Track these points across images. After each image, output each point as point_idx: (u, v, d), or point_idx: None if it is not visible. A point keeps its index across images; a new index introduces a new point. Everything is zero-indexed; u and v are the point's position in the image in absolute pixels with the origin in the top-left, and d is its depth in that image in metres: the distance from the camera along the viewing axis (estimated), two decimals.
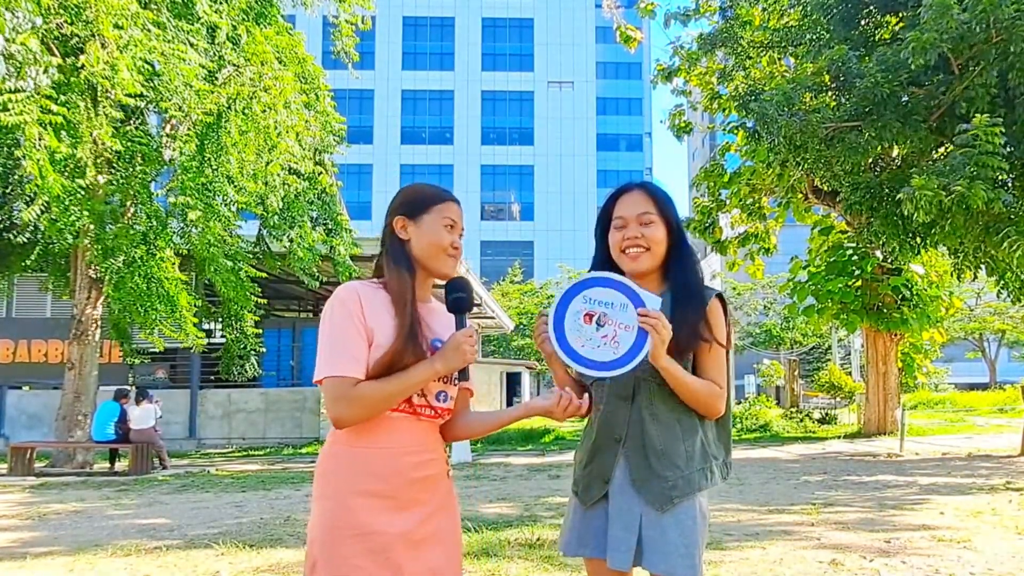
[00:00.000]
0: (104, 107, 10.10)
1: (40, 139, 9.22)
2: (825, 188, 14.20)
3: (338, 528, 1.75)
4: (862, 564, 4.67)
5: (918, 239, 10.66)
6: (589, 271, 2.03)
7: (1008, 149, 8.99)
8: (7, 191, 12.69)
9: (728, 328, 2.01)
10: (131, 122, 11.38)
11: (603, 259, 2.06)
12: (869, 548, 5.12)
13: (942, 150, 11.15)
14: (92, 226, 10.87)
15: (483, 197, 58.76)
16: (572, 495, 2.06)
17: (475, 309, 19.97)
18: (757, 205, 16.15)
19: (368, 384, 1.74)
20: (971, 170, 8.65)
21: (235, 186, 11.23)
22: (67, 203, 9.80)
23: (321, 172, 13.35)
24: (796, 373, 23.98)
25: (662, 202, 2.01)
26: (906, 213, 9.16)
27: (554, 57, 59.98)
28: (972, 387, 42.99)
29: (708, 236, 16.44)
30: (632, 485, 1.92)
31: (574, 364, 1.90)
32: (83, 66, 9.62)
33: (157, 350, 12.85)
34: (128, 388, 13.07)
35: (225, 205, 11.45)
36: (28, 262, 12.35)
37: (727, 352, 2.00)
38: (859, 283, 15.71)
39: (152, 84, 10.31)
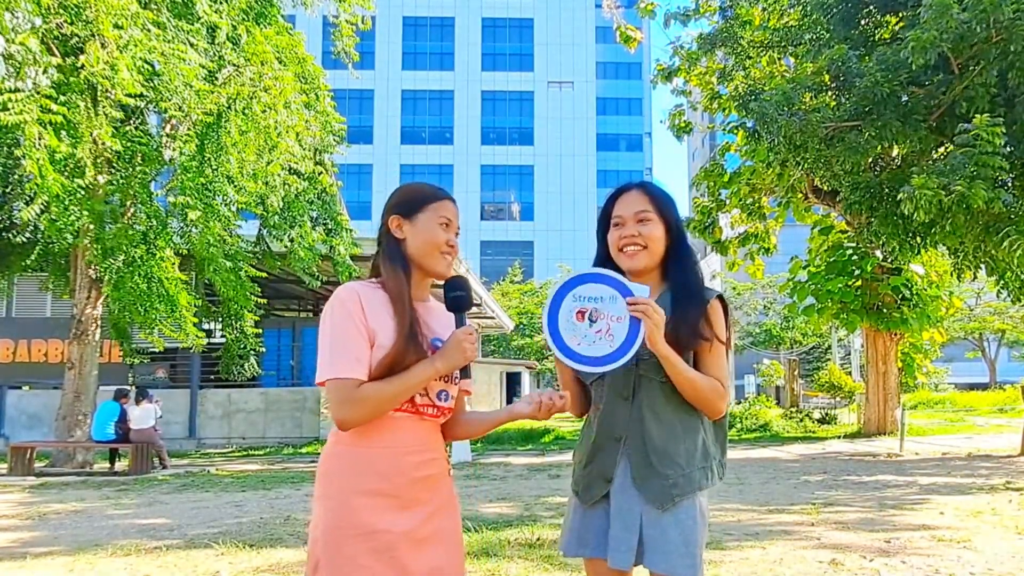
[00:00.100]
0: (104, 107, 10.10)
1: (40, 138, 9.22)
2: (825, 188, 14.20)
3: (341, 528, 1.75)
4: (862, 564, 4.67)
5: (918, 239, 10.66)
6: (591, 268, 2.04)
7: (1008, 149, 8.98)
8: (7, 191, 12.69)
9: (728, 329, 2.01)
10: (131, 122, 11.38)
11: (603, 258, 2.08)
12: (869, 548, 5.12)
13: (942, 150, 11.15)
14: (92, 226, 10.88)
15: (483, 197, 58.78)
16: (572, 495, 2.06)
17: (475, 309, 19.98)
18: (757, 205, 16.15)
19: (371, 385, 1.74)
20: (971, 170, 8.65)
21: (235, 186, 11.23)
22: (67, 203, 9.80)
23: (321, 172, 13.35)
24: (796, 373, 23.98)
25: (660, 201, 2.02)
26: (906, 212, 9.16)
27: (554, 57, 59.99)
28: (972, 387, 42.98)
29: (708, 236, 16.44)
30: (633, 484, 1.92)
31: (574, 363, 1.91)
32: (83, 66, 9.62)
33: (157, 350, 12.86)
34: (128, 388, 13.07)
35: (225, 205, 11.45)
36: (28, 262, 12.36)
37: (727, 353, 2.00)
38: (859, 283, 15.71)
39: (152, 84, 10.31)
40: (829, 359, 30.41)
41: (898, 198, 9.17)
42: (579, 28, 60.22)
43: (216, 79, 11.05)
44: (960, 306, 21.38)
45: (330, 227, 13.76)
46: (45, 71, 9.66)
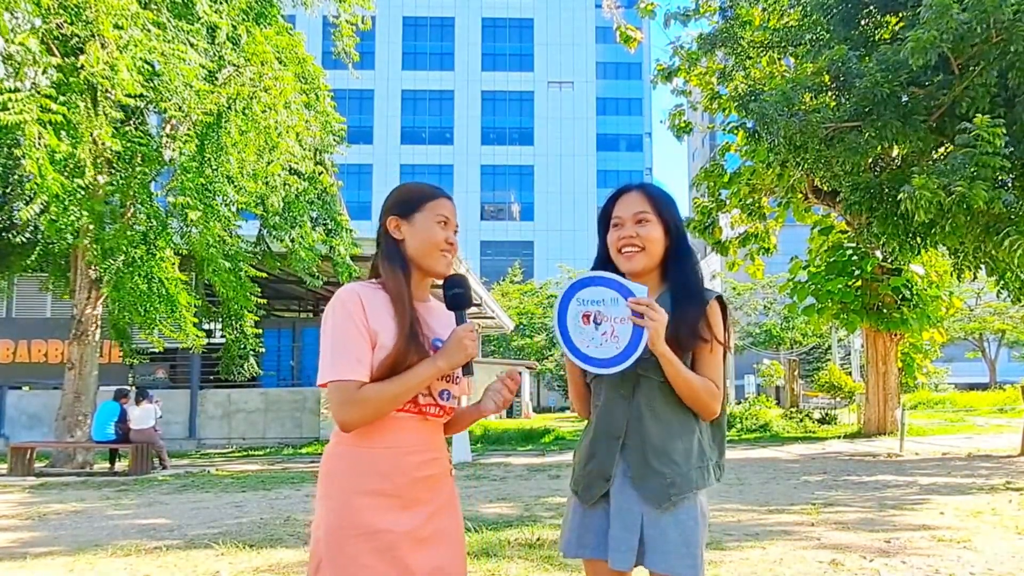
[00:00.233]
0: (104, 107, 10.10)
1: (40, 138, 9.22)
2: (825, 188, 14.20)
3: (343, 528, 1.75)
4: (862, 564, 4.67)
5: (918, 239, 10.66)
6: (590, 271, 2.06)
7: (1008, 149, 8.98)
8: (7, 191, 12.69)
9: (727, 330, 2.01)
10: (131, 122, 11.37)
11: (604, 259, 2.08)
12: (869, 548, 5.12)
13: (942, 150, 11.15)
14: (92, 226, 10.87)
15: (483, 197, 58.79)
16: (572, 494, 2.06)
17: (475, 309, 19.98)
18: (757, 205, 16.15)
19: (373, 386, 1.75)
20: (971, 170, 8.66)
21: (235, 186, 11.22)
22: (66, 203, 9.80)
23: (321, 172, 13.35)
24: (796, 373, 23.97)
25: (660, 202, 2.02)
26: (905, 212, 9.16)
27: (554, 57, 59.99)
28: (972, 387, 42.99)
29: (708, 236, 16.44)
30: (631, 483, 1.92)
31: (587, 366, 1.94)
32: (83, 66, 9.61)
33: (157, 350, 12.85)
34: (128, 388, 13.07)
35: (225, 205, 11.44)
36: (28, 262, 12.35)
37: (725, 354, 2.00)
38: (859, 283, 15.71)
39: (152, 84, 10.30)
40: (829, 359, 30.41)
41: (898, 198, 9.17)
42: (579, 28, 60.22)
43: (216, 79, 11.04)
44: (960, 306, 21.37)
45: (330, 227, 13.76)
46: (45, 71, 9.66)
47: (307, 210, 13.15)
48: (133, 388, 13.38)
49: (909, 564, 4.65)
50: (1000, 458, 11.79)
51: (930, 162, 10.67)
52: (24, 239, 12.28)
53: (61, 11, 9.73)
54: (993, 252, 9.93)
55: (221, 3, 11.34)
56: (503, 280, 44.87)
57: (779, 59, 14.36)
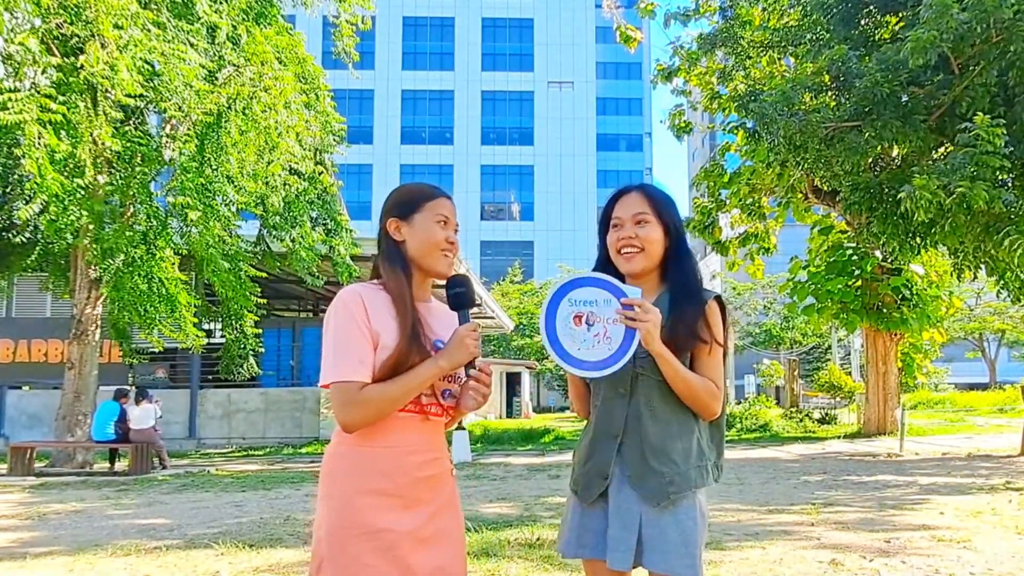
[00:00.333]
0: (104, 107, 10.09)
1: (39, 138, 9.22)
2: (825, 188, 14.21)
3: (345, 527, 1.75)
4: (862, 564, 4.67)
5: (918, 239, 10.66)
6: (581, 272, 2.06)
7: (1008, 149, 8.99)
8: (7, 190, 12.68)
9: (726, 331, 2.01)
10: (131, 122, 11.37)
11: (604, 260, 2.08)
12: (869, 548, 5.12)
13: (942, 150, 11.15)
14: (91, 226, 10.87)
15: (483, 197, 58.78)
16: (571, 494, 2.06)
17: (475, 309, 19.97)
18: (757, 205, 16.15)
19: (375, 387, 1.75)
20: (972, 170, 8.66)
21: (235, 186, 11.22)
22: (66, 203, 9.79)
23: (322, 172, 13.34)
24: (796, 373, 23.98)
25: (659, 203, 2.02)
26: (905, 212, 9.16)
27: (554, 57, 59.98)
28: (972, 387, 43.00)
29: (708, 236, 16.44)
30: (629, 482, 1.92)
31: (575, 370, 1.93)
32: (83, 66, 9.61)
33: (157, 350, 12.85)
34: (128, 388, 13.07)
35: (225, 205, 11.44)
36: (28, 262, 12.35)
37: (724, 355, 2.00)
38: (859, 283, 15.71)
39: (152, 84, 10.30)
40: (829, 359, 30.41)
41: (898, 198, 9.17)
42: (579, 28, 60.21)
43: (216, 79, 11.04)
44: (960, 306, 21.38)
45: (330, 227, 13.76)
46: (44, 71, 9.65)
47: (307, 210, 13.14)
48: (133, 388, 13.38)
49: (909, 564, 4.65)
50: (1000, 458, 11.79)
51: (930, 162, 10.67)
52: (24, 239, 12.27)
53: (61, 11, 9.73)
54: (993, 252, 9.93)
55: (221, 3, 11.34)
56: (503, 280, 44.87)
57: (779, 59, 14.36)
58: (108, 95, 10.02)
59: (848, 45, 10.64)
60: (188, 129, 10.90)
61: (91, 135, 10.03)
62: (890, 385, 16.27)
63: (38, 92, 9.41)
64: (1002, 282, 10.85)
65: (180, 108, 10.45)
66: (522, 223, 58.73)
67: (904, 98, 10.04)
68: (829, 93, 10.90)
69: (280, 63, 11.82)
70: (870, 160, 11.57)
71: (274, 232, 13.04)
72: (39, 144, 9.22)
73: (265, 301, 14.46)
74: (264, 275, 13.83)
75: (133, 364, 15.59)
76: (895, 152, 12.31)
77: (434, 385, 1.84)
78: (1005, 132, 8.77)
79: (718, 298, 2.01)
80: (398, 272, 1.86)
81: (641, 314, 1.84)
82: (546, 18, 60.35)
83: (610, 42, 52.04)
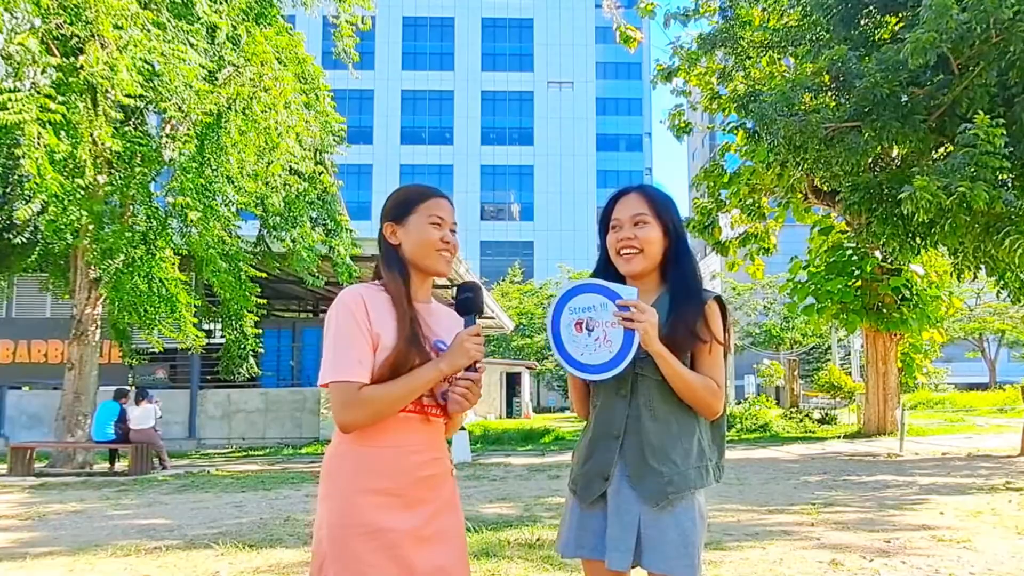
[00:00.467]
0: (104, 107, 10.09)
1: (39, 138, 9.22)
2: (825, 188, 14.21)
3: (346, 527, 1.76)
4: (862, 564, 4.67)
5: (918, 239, 10.66)
6: (592, 274, 2.09)
7: (1008, 149, 8.99)
8: (7, 190, 12.68)
9: (727, 331, 2.02)
10: (131, 122, 11.36)
11: (605, 262, 2.09)
12: (869, 548, 5.12)
13: (942, 150, 11.15)
14: (91, 226, 10.87)
15: (483, 197, 58.77)
16: (570, 494, 2.06)
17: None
18: (757, 205, 16.15)
19: (373, 388, 1.75)
20: (972, 170, 8.66)
21: (235, 186, 11.22)
22: (65, 203, 9.79)
23: (322, 172, 13.34)
24: (796, 373, 24.00)
25: (659, 204, 2.03)
26: (906, 213, 9.17)
27: (554, 57, 59.97)
28: (972, 387, 43.02)
29: (708, 236, 16.44)
30: (628, 481, 1.93)
31: (583, 375, 1.96)
32: (83, 66, 9.61)
33: (157, 350, 12.85)
34: (128, 388, 13.06)
35: (225, 205, 11.44)
36: (28, 262, 12.34)
37: (725, 355, 2.00)
38: (859, 283, 15.71)
39: (152, 84, 10.29)
40: (829, 359, 30.41)
41: (899, 198, 9.18)
42: (579, 28, 60.20)
43: (216, 79, 11.04)
44: (960, 306, 21.39)
45: (330, 227, 13.75)
46: (44, 71, 9.64)
47: (307, 210, 13.14)
48: (133, 388, 13.38)
49: (909, 564, 4.65)
50: (1000, 458, 11.80)
51: (930, 162, 10.67)
52: (24, 239, 12.27)
53: (61, 11, 9.73)
54: (993, 252, 9.93)
55: (221, 3, 11.33)
56: (503, 280, 44.85)
57: (779, 59, 14.37)
58: (108, 95, 10.02)
59: (848, 45, 10.64)
60: (188, 129, 10.90)
61: (91, 135, 10.02)
62: (890, 385, 16.27)
63: (38, 92, 9.40)
64: (1002, 282, 10.85)
65: (180, 108, 10.45)
66: (522, 223, 58.73)
67: (904, 98, 10.04)
68: (829, 93, 10.90)
69: (280, 63, 11.82)
70: (870, 160, 11.57)
71: (274, 232, 13.04)
72: (39, 144, 9.22)
73: (265, 301, 14.45)
74: (264, 275, 13.83)
75: (133, 364, 15.57)
76: (895, 152, 12.31)
77: (434, 387, 1.84)
78: (1005, 132, 8.77)
79: (718, 298, 2.01)
80: (395, 275, 1.88)
81: (637, 315, 1.85)
82: (546, 18, 60.34)
83: (610, 42, 52.05)
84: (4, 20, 9.19)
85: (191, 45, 10.52)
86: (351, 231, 13.99)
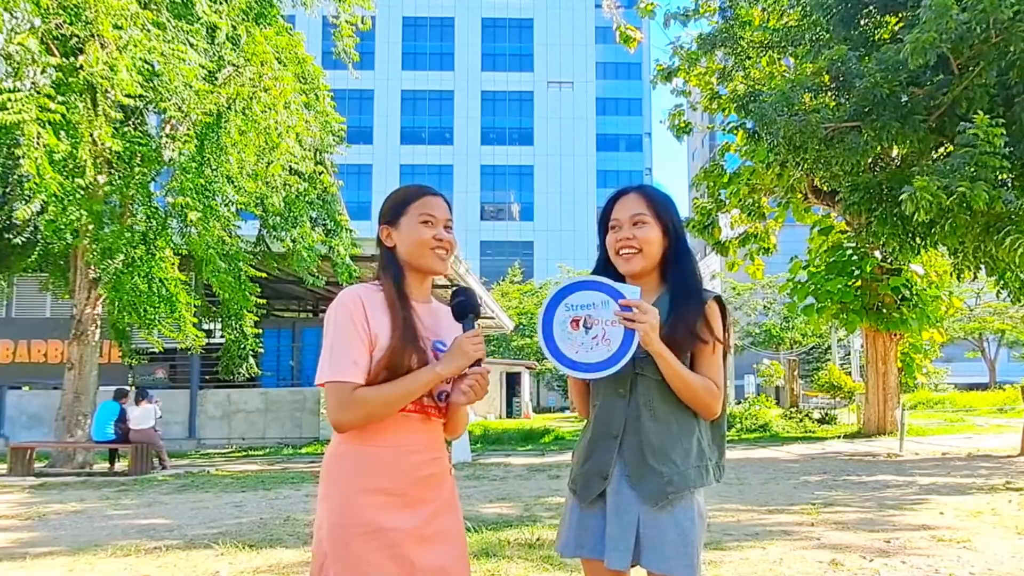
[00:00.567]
0: (103, 107, 10.09)
1: (38, 138, 9.22)
2: (825, 188, 14.21)
3: (347, 526, 1.76)
4: (862, 564, 4.67)
5: (918, 239, 10.66)
6: (591, 274, 2.08)
7: (1008, 149, 8.99)
8: (7, 190, 12.68)
9: (727, 331, 2.02)
10: (131, 122, 11.36)
11: (605, 262, 2.09)
12: (869, 548, 5.12)
13: (942, 150, 11.16)
14: (91, 226, 10.86)
15: (483, 197, 58.76)
16: (569, 493, 2.06)
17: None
18: (757, 205, 16.15)
19: (368, 390, 1.76)
20: (971, 170, 8.66)
21: (235, 186, 11.21)
22: (65, 203, 9.79)
23: (322, 172, 13.34)
24: (796, 373, 23.99)
25: (658, 204, 2.03)
26: (906, 213, 9.17)
27: (554, 57, 59.98)
28: (972, 387, 43.02)
29: (708, 236, 16.44)
30: (628, 481, 1.93)
31: (574, 372, 1.95)
32: (82, 66, 9.60)
33: (157, 350, 12.84)
34: (128, 388, 13.07)
35: (225, 205, 11.43)
36: (28, 262, 12.34)
37: (725, 355, 2.00)
38: (859, 283, 15.71)
39: (152, 84, 10.29)
40: (829, 359, 30.42)
41: (899, 199, 9.18)
42: (579, 28, 60.20)
43: (216, 79, 11.03)
44: (960, 306, 21.39)
45: (330, 227, 13.76)
46: (44, 71, 9.64)
47: (307, 210, 13.13)
48: (133, 388, 13.38)
49: (909, 564, 4.65)
50: (1000, 458, 11.80)
51: (930, 162, 10.67)
52: (24, 239, 12.27)
53: (60, 11, 9.72)
54: (993, 252, 9.93)
55: (221, 3, 11.33)
56: (503, 280, 44.86)
57: (779, 59, 14.37)
58: (108, 95, 10.01)
59: (848, 45, 10.64)
60: (188, 129, 10.89)
61: (91, 135, 10.02)
62: (890, 385, 16.27)
63: (38, 92, 9.40)
64: (1002, 282, 10.85)
65: (180, 108, 10.45)
66: (522, 223, 58.72)
67: (904, 98, 10.04)
68: (829, 93, 10.90)
69: (280, 63, 11.81)
70: (870, 160, 11.57)
71: (274, 232, 13.03)
72: (38, 144, 9.22)
73: (265, 301, 14.45)
74: (264, 275, 13.83)
75: (133, 364, 15.58)
76: (895, 152, 12.31)
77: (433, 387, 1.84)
78: (1005, 132, 8.77)
79: (718, 298, 2.01)
80: (390, 277, 1.89)
81: (639, 315, 1.84)
82: (546, 18, 60.34)
83: (610, 42, 52.03)
84: (4, 20, 9.18)
85: (191, 45, 10.52)
86: (351, 231, 13.99)
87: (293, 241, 12.70)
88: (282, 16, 13.00)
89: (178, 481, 10.36)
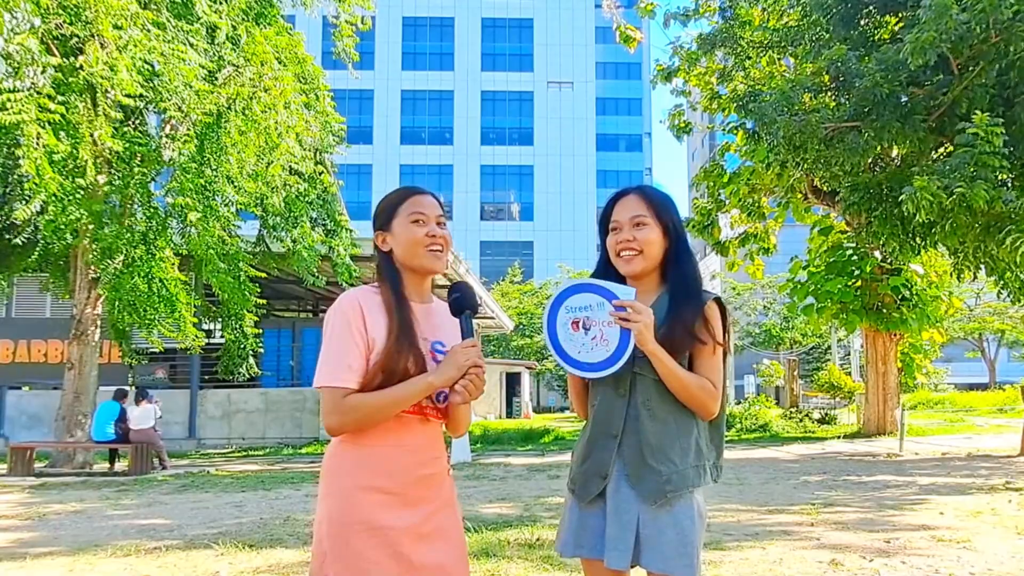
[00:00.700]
0: (103, 107, 10.09)
1: (38, 138, 9.21)
2: (825, 188, 14.21)
3: (346, 524, 1.77)
4: (862, 564, 4.67)
5: (918, 239, 10.66)
6: (592, 275, 2.10)
7: (1008, 149, 9.00)
8: (7, 191, 12.68)
9: (727, 333, 2.02)
10: (131, 122, 11.36)
11: (605, 263, 2.09)
12: (869, 548, 5.12)
13: (942, 150, 11.16)
14: (91, 226, 10.86)
15: (483, 197, 58.77)
16: (569, 493, 2.06)
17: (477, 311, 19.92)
18: (757, 205, 16.15)
19: (361, 396, 1.77)
20: (971, 170, 8.66)
21: (235, 186, 11.21)
22: (65, 203, 9.79)
23: (322, 172, 13.34)
24: (796, 373, 23.98)
25: (658, 205, 2.03)
26: (906, 213, 9.17)
27: (554, 57, 59.98)
28: (972, 387, 43.03)
29: (708, 236, 16.44)
30: (627, 481, 1.93)
31: (579, 372, 1.98)
32: (82, 66, 9.60)
33: (157, 350, 12.84)
34: (128, 388, 13.06)
35: (225, 206, 11.43)
36: (28, 262, 12.34)
37: (724, 355, 2.00)
38: (859, 283, 15.71)
39: (152, 84, 10.29)
40: (829, 359, 30.42)
41: (899, 199, 9.18)
42: (579, 28, 60.21)
43: (216, 79, 11.04)
44: (960, 306, 21.39)
45: (330, 227, 13.76)
46: (44, 71, 9.64)
47: (307, 210, 13.13)
48: (133, 388, 13.37)
49: (909, 564, 4.65)
50: (1000, 458, 11.80)
51: (930, 162, 10.67)
52: (24, 239, 12.27)
53: (60, 11, 9.72)
54: (994, 251, 9.93)
55: (221, 3, 11.33)
56: (503, 280, 44.85)
57: (779, 59, 14.37)
58: (108, 95, 10.01)
59: (848, 45, 10.65)
60: (188, 129, 10.89)
61: (91, 135, 10.02)
62: (890, 385, 16.27)
63: (38, 92, 9.40)
64: (1002, 282, 10.85)
65: (180, 108, 10.45)
66: (522, 223, 58.72)
67: (904, 98, 10.05)
68: (829, 93, 10.90)
69: (280, 63, 11.82)
70: (870, 160, 11.58)
71: (274, 232, 13.03)
72: (38, 144, 9.22)
73: (265, 301, 14.45)
74: (264, 275, 13.83)
75: (133, 364, 15.58)
76: (895, 152, 12.31)
77: None
78: (1005, 132, 8.77)
79: (718, 299, 2.01)
80: (388, 280, 1.91)
81: (633, 315, 1.86)
82: (546, 18, 60.34)
83: (610, 42, 52.03)
84: (4, 20, 9.18)
85: (191, 45, 10.52)
86: (351, 231, 14.00)
87: (293, 241, 12.70)
88: (282, 16, 13.01)
89: (178, 481, 10.36)
